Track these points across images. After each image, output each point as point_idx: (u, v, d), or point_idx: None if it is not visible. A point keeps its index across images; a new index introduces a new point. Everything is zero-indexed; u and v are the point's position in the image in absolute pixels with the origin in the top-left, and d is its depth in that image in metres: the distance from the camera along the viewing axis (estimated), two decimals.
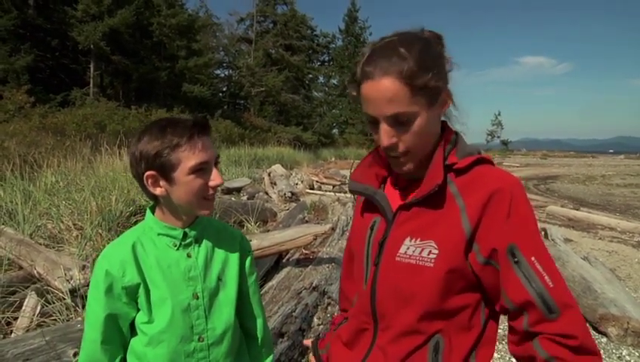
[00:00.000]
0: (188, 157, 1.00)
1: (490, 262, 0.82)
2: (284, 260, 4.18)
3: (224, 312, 1.12)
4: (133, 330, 1.09)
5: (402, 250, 0.88)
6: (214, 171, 1.05)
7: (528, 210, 0.83)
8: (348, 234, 4.82)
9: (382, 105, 0.82)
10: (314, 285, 3.29)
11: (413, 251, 0.86)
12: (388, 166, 1.00)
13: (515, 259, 0.80)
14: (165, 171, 1.01)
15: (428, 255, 0.84)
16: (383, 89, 0.81)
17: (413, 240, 0.87)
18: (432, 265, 0.84)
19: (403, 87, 0.80)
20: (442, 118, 0.93)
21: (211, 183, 1.04)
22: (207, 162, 1.03)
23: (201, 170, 1.02)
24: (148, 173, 1.01)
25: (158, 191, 1.03)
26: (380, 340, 0.92)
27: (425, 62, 0.81)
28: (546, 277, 0.78)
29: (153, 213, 1.11)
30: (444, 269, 0.83)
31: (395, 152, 0.87)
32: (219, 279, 1.13)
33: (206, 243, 1.13)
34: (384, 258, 0.91)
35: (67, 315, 2.63)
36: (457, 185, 0.87)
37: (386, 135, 0.85)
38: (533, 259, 0.79)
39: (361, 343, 0.96)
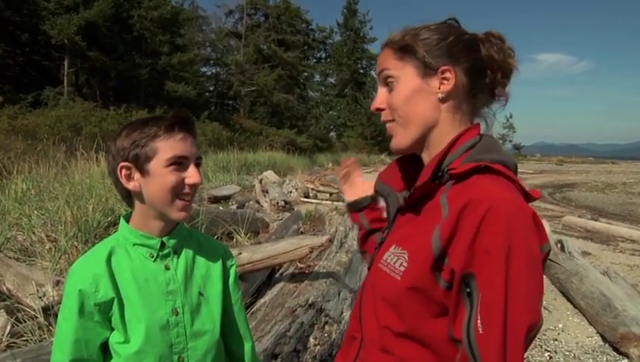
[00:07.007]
0: (165, 148, 1.01)
1: (451, 287, 0.78)
2: (277, 275, 4.17)
3: (207, 330, 1.12)
4: (107, 353, 1.08)
5: (385, 256, 0.89)
6: (193, 168, 1.05)
7: (504, 236, 0.74)
8: (346, 246, 4.80)
9: (378, 71, 0.97)
10: (310, 302, 3.29)
11: (391, 259, 0.87)
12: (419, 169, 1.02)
13: (468, 290, 0.76)
14: (140, 162, 1.02)
15: (399, 266, 0.84)
16: (380, 58, 0.97)
17: (396, 248, 0.88)
18: (399, 278, 0.83)
19: (388, 50, 0.94)
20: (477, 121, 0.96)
21: (188, 181, 1.04)
22: (186, 157, 1.04)
23: (178, 164, 1.03)
24: (122, 163, 1.02)
25: (131, 185, 1.04)
26: (362, 351, 0.94)
27: (415, 32, 0.92)
28: (479, 321, 0.74)
29: (128, 222, 1.11)
30: (406, 285, 0.82)
31: (383, 118, 0.96)
32: (200, 294, 1.12)
33: (186, 255, 1.12)
34: (374, 263, 0.94)
35: (40, 335, 2.61)
36: (449, 194, 0.83)
37: (378, 97, 0.96)
38: (480, 295, 0.74)
39: (350, 352, 0.98)
